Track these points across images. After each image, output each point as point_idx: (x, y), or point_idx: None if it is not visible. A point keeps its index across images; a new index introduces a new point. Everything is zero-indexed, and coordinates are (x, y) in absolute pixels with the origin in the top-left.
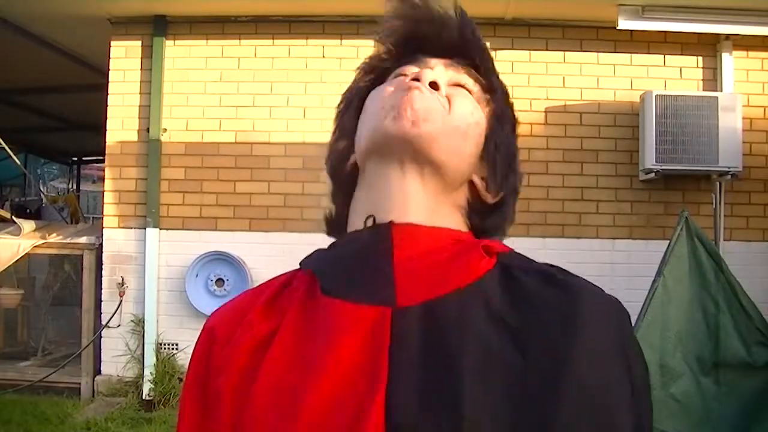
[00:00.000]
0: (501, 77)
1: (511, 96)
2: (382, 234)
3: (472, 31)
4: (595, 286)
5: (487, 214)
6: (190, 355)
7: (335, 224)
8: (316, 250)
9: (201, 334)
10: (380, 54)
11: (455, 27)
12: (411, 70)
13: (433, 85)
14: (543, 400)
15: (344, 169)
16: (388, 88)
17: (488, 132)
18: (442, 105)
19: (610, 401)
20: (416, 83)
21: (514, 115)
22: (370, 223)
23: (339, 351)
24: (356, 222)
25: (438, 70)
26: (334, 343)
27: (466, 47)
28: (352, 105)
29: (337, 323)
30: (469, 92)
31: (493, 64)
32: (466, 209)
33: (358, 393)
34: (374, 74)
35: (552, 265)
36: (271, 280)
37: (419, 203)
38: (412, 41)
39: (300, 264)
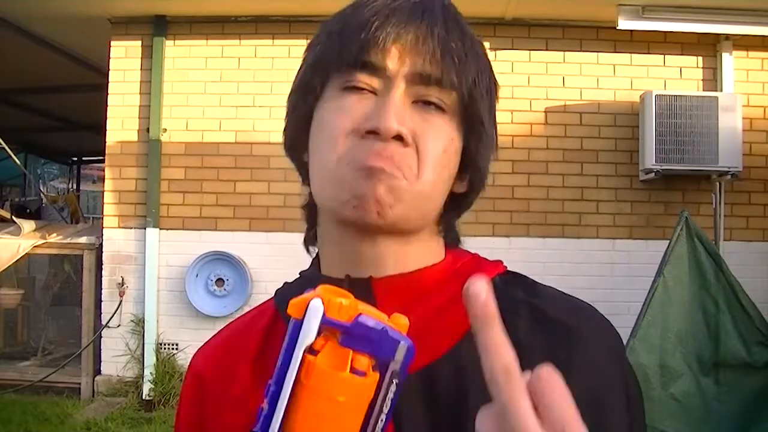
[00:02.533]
0: (477, 42)
1: (493, 69)
2: (363, 294)
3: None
4: (585, 306)
5: (458, 204)
6: (190, 356)
7: (312, 212)
8: (287, 286)
9: (187, 379)
10: (325, 43)
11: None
12: (363, 80)
13: (398, 137)
14: None
15: (301, 160)
16: (340, 143)
17: (464, 146)
18: (409, 171)
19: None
20: (375, 155)
21: (494, 85)
22: (346, 281)
23: None
24: (327, 262)
25: (399, 91)
26: None
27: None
28: (300, 102)
29: None
30: (441, 109)
31: (468, 37)
32: (439, 217)
33: None
34: (322, 66)
35: (536, 288)
36: (252, 314)
37: (394, 256)
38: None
39: (275, 299)
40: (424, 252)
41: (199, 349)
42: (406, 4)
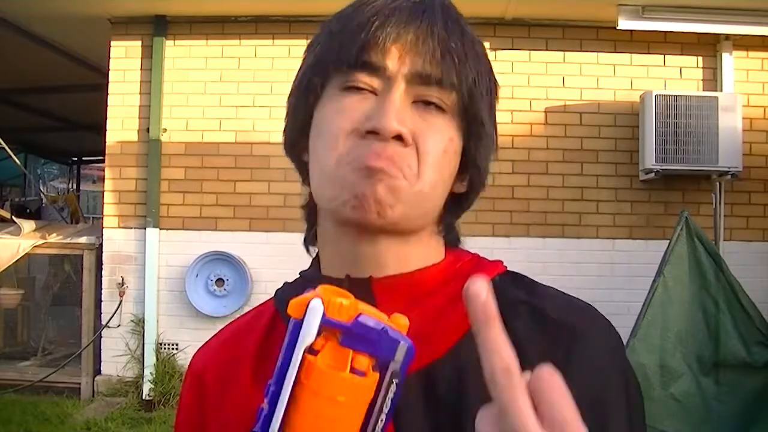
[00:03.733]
0: (478, 42)
1: (493, 69)
2: (363, 294)
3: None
4: (585, 307)
5: (458, 204)
6: (190, 356)
7: (311, 210)
8: (287, 287)
9: (186, 380)
10: (325, 43)
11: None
12: (363, 80)
13: (398, 137)
14: None
15: (301, 160)
16: (341, 142)
17: (464, 147)
18: (409, 171)
19: None
20: (376, 157)
21: (494, 86)
22: (346, 281)
23: None
24: (327, 262)
25: (399, 91)
26: None
27: (432, 22)
28: (300, 102)
29: None
30: (441, 108)
31: (468, 37)
32: (439, 217)
33: None
34: (322, 67)
35: (537, 288)
36: (252, 314)
37: (394, 256)
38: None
39: (275, 299)
40: (424, 252)
41: (198, 349)
42: (407, 4)
